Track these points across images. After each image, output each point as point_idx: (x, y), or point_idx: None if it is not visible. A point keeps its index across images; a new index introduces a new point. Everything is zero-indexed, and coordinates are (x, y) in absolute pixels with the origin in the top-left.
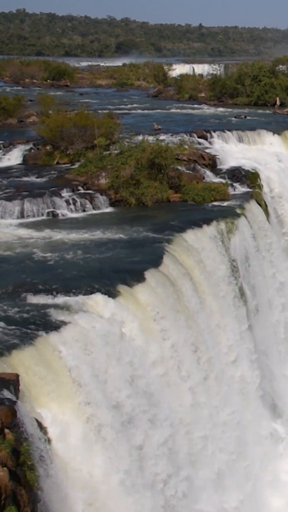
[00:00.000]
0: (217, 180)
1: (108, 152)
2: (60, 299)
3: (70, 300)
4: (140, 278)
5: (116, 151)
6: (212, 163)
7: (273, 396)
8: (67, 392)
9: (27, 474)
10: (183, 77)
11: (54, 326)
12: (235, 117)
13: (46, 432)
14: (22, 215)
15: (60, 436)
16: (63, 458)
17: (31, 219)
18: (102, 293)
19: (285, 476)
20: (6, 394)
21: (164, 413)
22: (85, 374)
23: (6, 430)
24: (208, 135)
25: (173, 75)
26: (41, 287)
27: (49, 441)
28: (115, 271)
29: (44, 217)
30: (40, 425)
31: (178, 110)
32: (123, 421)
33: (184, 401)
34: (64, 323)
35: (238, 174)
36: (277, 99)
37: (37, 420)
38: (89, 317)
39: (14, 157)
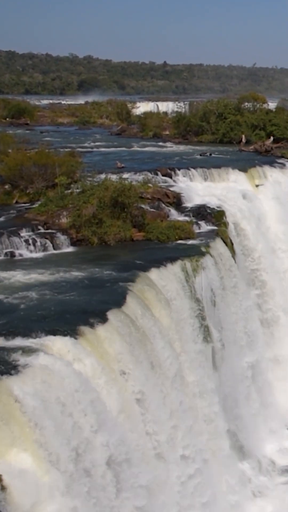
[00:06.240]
0: (182, 218)
1: (69, 191)
2: (18, 342)
3: (29, 342)
4: (102, 319)
5: (77, 190)
6: (176, 201)
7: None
8: (24, 438)
9: None
10: (147, 114)
11: (12, 370)
12: (200, 155)
13: (1, 480)
14: None
15: (17, 484)
16: (19, 507)
17: None
18: (62, 335)
19: None
20: None
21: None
22: (44, 419)
23: None
24: (173, 173)
25: (137, 113)
26: None
27: (3, 489)
28: (76, 312)
29: (2, 257)
30: None
31: (142, 148)
32: (84, 467)
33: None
34: (22, 366)
35: (203, 212)
36: (243, 136)
37: None
38: (49, 359)
39: None
